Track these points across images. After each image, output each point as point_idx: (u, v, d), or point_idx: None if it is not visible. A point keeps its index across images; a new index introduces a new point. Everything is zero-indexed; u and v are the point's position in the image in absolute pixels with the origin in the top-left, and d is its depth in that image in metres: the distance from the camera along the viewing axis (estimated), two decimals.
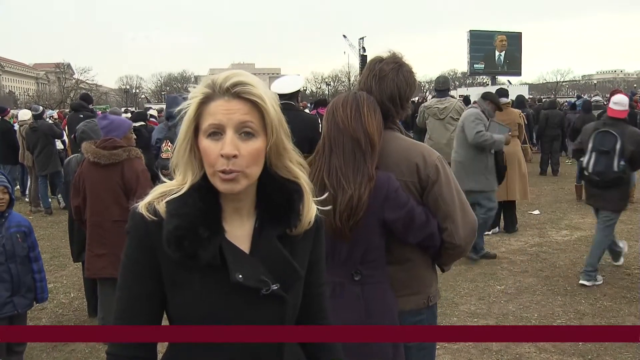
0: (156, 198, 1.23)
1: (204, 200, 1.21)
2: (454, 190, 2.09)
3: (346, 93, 2.15)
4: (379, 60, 2.23)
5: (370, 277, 2.04)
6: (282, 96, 4.49)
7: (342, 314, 1.95)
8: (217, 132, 1.17)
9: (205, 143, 1.18)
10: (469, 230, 2.10)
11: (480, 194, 5.94)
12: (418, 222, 2.01)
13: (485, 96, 6.28)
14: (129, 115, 13.37)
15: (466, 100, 12.73)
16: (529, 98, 18.55)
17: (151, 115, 11.13)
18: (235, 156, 1.15)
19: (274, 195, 1.26)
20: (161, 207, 1.21)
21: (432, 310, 2.22)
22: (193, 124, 1.20)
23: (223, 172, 1.16)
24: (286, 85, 4.49)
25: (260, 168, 1.22)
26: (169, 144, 4.86)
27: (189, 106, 1.21)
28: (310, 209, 1.32)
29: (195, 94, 1.21)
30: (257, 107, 1.18)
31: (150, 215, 1.21)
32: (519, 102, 12.25)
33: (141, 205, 1.23)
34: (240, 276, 1.18)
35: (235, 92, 1.18)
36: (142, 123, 8.44)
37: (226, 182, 1.17)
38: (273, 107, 1.21)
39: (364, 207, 1.95)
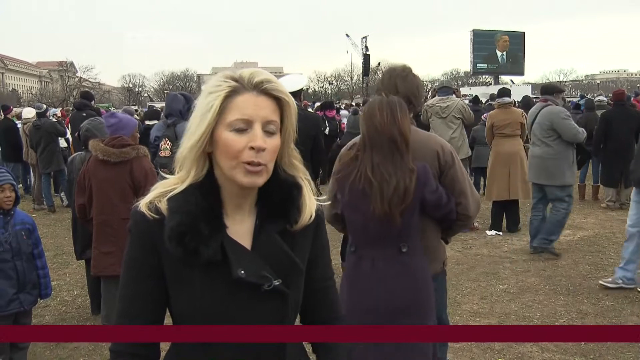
0: (158, 196, 1.24)
1: (205, 197, 1.21)
2: (464, 173, 2.58)
3: (379, 99, 2.47)
4: (394, 66, 2.74)
5: (414, 249, 2.42)
6: None
7: (391, 282, 2.38)
8: (243, 127, 1.18)
9: (228, 136, 1.18)
10: (476, 204, 2.59)
11: (562, 188, 6.02)
12: (444, 201, 2.46)
13: (552, 89, 6.36)
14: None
15: (475, 99, 12.59)
16: (535, 99, 18.44)
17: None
18: (263, 149, 1.17)
19: (275, 191, 1.27)
20: (162, 205, 1.21)
21: (444, 274, 2.73)
22: (217, 117, 1.18)
23: (250, 163, 1.17)
24: (289, 83, 4.49)
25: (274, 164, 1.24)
26: (167, 142, 4.86)
27: (214, 99, 1.18)
28: (310, 204, 1.32)
29: (219, 87, 1.19)
30: (279, 105, 1.21)
31: (151, 214, 1.21)
32: (525, 103, 12.19)
33: (142, 204, 1.23)
34: (242, 272, 1.19)
35: (264, 88, 1.19)
36: (156, 121, 8.33)
37: (251, 174, 1.18)
38: (295, 107, 1.24)
39: (412, 195, 2.32)
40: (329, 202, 2.50)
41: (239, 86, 1.19)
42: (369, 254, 2.45)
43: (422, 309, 2.41)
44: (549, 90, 6.38)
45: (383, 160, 2.35)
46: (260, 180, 1.20)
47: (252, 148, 1.16)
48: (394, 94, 2.53)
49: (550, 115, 5.96)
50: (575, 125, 5.97)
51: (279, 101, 1.21)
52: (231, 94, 1.19)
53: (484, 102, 13.84)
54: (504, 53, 54.12)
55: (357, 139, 2.60)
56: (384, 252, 2.41)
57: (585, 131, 6.06)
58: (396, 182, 2.31)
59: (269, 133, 1.19)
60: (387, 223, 2.35)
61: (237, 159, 1.18)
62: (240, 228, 1.26)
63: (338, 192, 2.53)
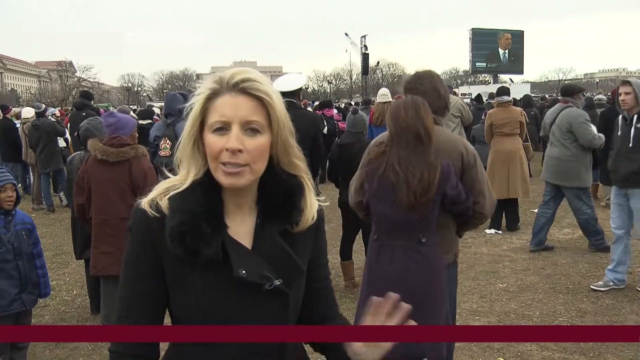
0: (159, 194, 1.23)
1: (206, 196, 1.21)
2: (484, 174, 2.80)
3: (404, 99, 2.73)
4: (429, 72, 2.94)
5: (431, 240, 2.64)
6: (283, 94, 4.45)
7: (409, 270, 2.61)
8: (222, 128, 1.17)
9: (210, 138, 1.18)
10: (492, 204, 2.82)
11: (582, 190, 6.16)
12: (462, 198, 2.65)
13: (572, 90, 6.36)
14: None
15: (478, 98, 12.54)
16: (535, 97, 18.39)
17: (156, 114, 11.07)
18: (240, 151, 1.16)
19: (275, 191, 1.26)
20: (164, 204, 1.21)
21: (456, 265, 2.97)
22: (199, 119, 1.20)
23: (227, 164, 1.16)
24: (288, 83, 4.49)
25: (265, 164, 1.22)
26: (167, 141, 4.87)
27: (196, 102, 1.21)
28: (312, 204, 1.32)
29: (203, 90, 1.21)
30: (263, 103, 1.19)
31: (152, 212, 1.21)
32: (526, 102, 12.15)
33: (144, 202, 1.23)
34: (244, 272, 1.18)
35: (242, 87, 1.18)
36: (150, 121, 8.33)
37: (230, 175, 1.17)
38: (279, 104, 1.22)
39: (435, 187, 2.52)
40: (353, 191, 2.94)
41: (219, 88, 1.19)
42: (390, 242, 2.69)
43: (436, 295, 2.64)
44: (569, 91, 6.37)
45: (408, 155, 2.57)
46: (242, 181, 1.18)
47: (227, 149, 1.16)
48: (435, 98, 2.80)
49: (569, 118, 6.02)
50: (593, 130, 6.01)
51: (261, 100, 1.20)
52: (212, 96, 1.20)
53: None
54: (507, 51, 54.14)
55: (384, 135, 2.83)
56: (404, 241, 2.64)
57: (603, 137, 6.05)
58: (420, 174, 2.52)
59: (251, 133, 1.18)
60: (410, 214, 2.56)
61: (216, 161, 1.18)
62: (241, 228, 1.26)
63: (366, 183, 2.78)
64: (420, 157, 2.55)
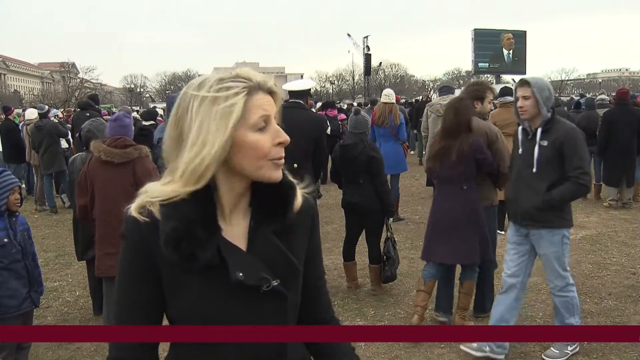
0: (148, 201, 1.21)
1: (199, 200, 1.18)
2: (505, 146, 4.33)
3: (451, 102, 4.37)
4: (480, 80, 4.83)
5: (471, 187, 4.14)
6: (292, 93, 4.56)
7: (456, 206, 4.11)
8: (265, 125, 1.20)
9: (254, 137, 1.18)
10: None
11: None
12: (489, 161, 4.14)
13: None
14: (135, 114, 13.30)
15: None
16: None
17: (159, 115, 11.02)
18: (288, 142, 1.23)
19: (268, 190, 1.25)
20: (155, 209, 1.19)
21: (494, 208, 4.57)
22: (240, 119, 1.17)
23: (279, 159, 1.20)
24: (298, 83, 4.58)
25: None
26: None
27: (236, 102, 1.16)
28: (299, 198, 1.32)
29: (236, 89, 1.17)
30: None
31: (143, 218, 1.19)
32: None
33: (133, 208, 1.21)
34: (241, 275, 1.17)
35: (269, 87, 1.22)
36: (152, 122, 8.31)
37: (279, 168, 1.22)
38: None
39: (465, 156, 4.02)
40: (425, 161, 4.65)
41: (253, 85, 1.19)
42: (443, 189, 4.24)
43: (475, 222, 4.11)
44: None
45: (447, 139, 4.12)
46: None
47: (279, 144, 1.20)
48: (489, 100, 4.65)
49: None
50: None
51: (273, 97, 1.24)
52: (250, 93, 1.19)
53: None
54: (511, 51, 54.05)
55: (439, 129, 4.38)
56: (452, 188, 4.15)
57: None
58: (451, 152, 4.05)
59: None
60: (452, 172, 4.08)
61: (265, 158, 1.18)
62: (236, 229, 1.24)
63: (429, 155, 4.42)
64: (457, 140, 4.03)
